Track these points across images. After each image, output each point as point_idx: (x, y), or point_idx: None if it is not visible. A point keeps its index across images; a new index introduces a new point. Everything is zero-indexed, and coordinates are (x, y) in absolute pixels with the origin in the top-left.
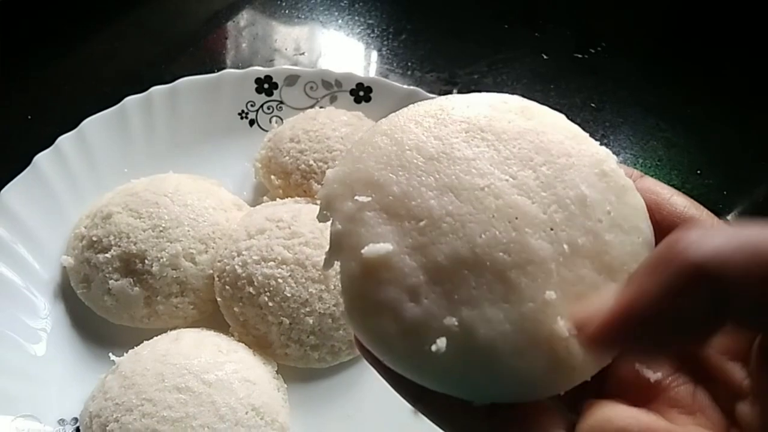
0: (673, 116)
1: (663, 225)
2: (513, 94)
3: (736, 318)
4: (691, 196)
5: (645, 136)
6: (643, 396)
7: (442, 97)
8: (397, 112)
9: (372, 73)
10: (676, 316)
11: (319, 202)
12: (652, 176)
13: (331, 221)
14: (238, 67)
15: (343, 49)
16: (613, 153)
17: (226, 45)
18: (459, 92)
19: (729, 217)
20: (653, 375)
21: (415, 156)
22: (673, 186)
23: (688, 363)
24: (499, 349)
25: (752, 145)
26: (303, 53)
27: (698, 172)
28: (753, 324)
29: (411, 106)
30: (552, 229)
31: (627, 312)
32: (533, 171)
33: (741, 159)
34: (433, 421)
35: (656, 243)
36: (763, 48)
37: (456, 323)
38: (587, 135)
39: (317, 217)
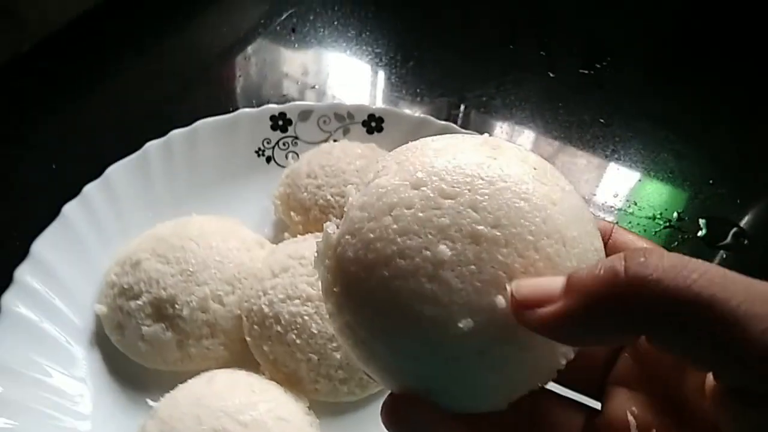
0: (683, 127)
1: None
2: (522, 114)
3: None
4: (704, 207)
5: (656, 149)
6: None
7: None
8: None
9: (382, 100)
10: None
11: None
12: (664, 189)
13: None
14: (251, 102)
15: (353, 79)
16: (625, 168)
17: (239, 79)
18: (468, 114)
19: (743, 225)
20: (633, 425)
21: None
22: (686, 196)
23: (668, 402)
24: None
25: (765, 153)
26: (314, 86)
27: (710, 182)
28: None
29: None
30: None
31: (574, 307)
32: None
33: (754, 168)
34: None
35: None
36: None
37: None
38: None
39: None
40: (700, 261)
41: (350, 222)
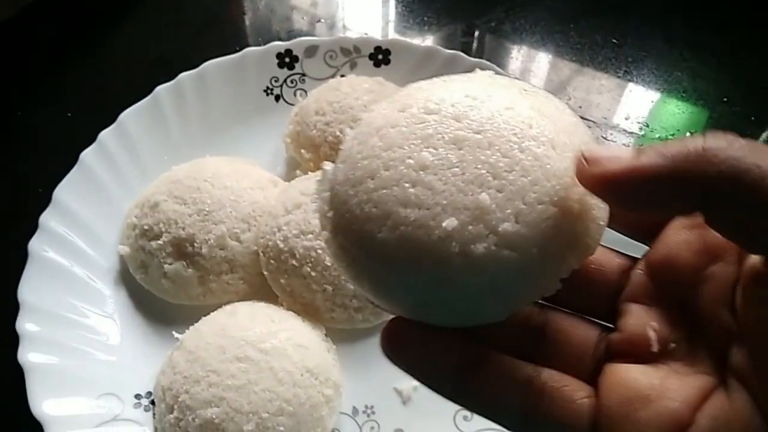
0: (698, 45)
1: None
2: (533, 38)
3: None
4: (718, 126)
5: (669, 68)
6: (649, 354)
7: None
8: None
9: (389, 31)
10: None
11: None
12: (678, 109)
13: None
14: (259, 41)
15: (359, 10)
16: (637, 88)
17: (245, 18)
18: (478, 41)
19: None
20: (654, 339)
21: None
22: (700, 116)
23: (683, 315)
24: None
25: None
26: (320, 20)
27: (725, 100)
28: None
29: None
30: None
31: (646, 168)
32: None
33: (767, 85)
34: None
35: None
36: None
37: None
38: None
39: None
40: None
41: (342, 153)
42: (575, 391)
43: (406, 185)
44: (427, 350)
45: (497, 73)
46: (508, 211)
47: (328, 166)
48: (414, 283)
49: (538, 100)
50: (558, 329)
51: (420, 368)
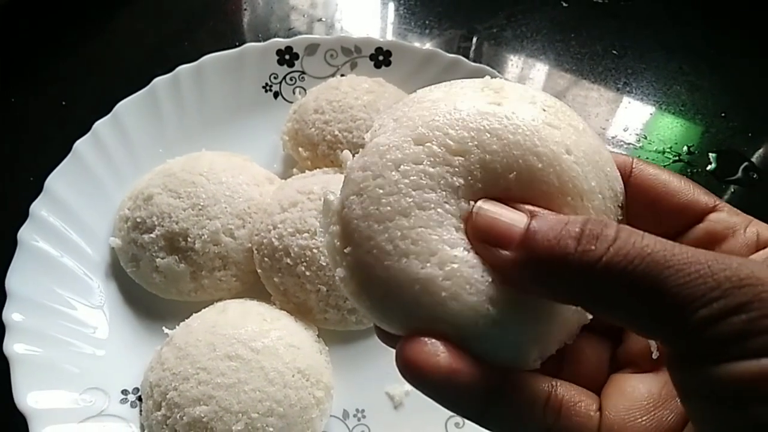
0: (697, 58)
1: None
2: (533, 45)
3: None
4: (716, 141)
5: (668, 81)
6: (651, 362)
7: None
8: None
9: (390, 33)
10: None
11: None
12: (676, 122)
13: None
14: (258, 37)
15: (360, 11)
16: (636, 101)
17: (245, 13)
18: (478, 47)
19: (753, 160)
20: (654, 346)
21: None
22: (697, 130)
23: None
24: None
25: None
26: (321, 19)
27: (723, 114)
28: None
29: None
30: None
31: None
32: None
33: (766, 100)
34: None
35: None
36: None
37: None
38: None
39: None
40: (653, 238)
41: (353, 183)
42: (589, 405)
43: (452, 228)
44: (453, 377)
45: (493, 77)
46: None
47: (331, 196)
48: (467, 320)
49: (558, 122)
50: (576, 350)
51: (445, 395)
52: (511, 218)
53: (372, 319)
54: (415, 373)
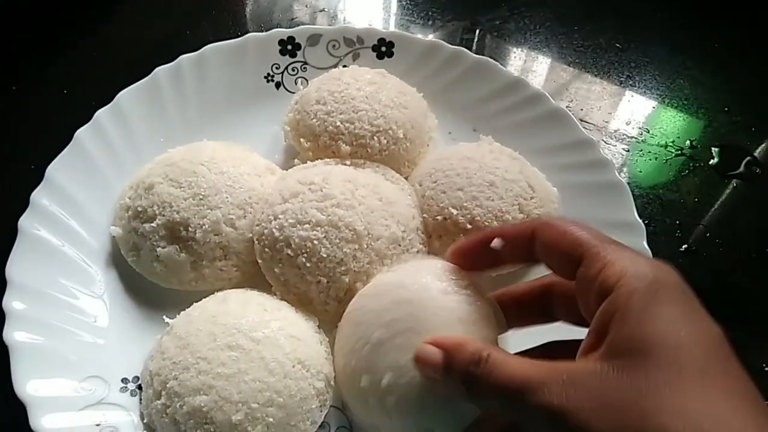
0: (700, 53)
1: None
2: (536, 38)
3: None
4: (718, 135)
5: (671, 75)
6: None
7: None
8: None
9: (393, 24)
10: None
11: (347, 163)
12: (678, 116)
13: None
14: (260, 28)
15: (363, 2)
16: (639, 94)
17: (247, 5)
18: (481, 39)
19: (756, 154)
20: None
21: None
22: (700, 124)
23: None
24: None
25: None
26: (323, 9)
27: (726, 109)
28: None
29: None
30: None
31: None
32: None
33: None
34: None
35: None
36: None
37: None
38: None
39: None
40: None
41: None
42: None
43: None
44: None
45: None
46: None
47: None
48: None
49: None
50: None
51: None
52: (432, 352)
53: None
54: None
